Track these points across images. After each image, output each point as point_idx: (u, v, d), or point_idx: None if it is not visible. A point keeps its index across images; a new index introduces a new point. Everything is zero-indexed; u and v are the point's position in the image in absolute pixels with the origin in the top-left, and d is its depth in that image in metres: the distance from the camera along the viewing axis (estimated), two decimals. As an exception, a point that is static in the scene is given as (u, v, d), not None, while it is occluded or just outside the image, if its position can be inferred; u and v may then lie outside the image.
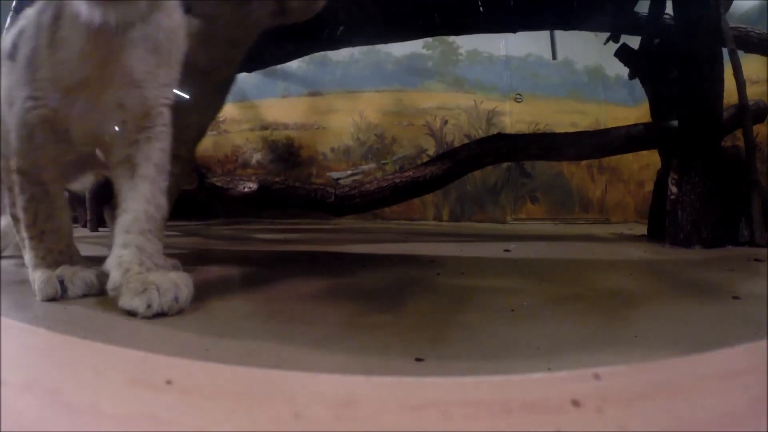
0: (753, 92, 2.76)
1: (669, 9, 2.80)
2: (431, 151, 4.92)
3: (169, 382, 0.37)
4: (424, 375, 0.65)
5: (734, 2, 3.06)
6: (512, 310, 1.06)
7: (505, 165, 4.80)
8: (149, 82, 1.06)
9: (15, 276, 1.39)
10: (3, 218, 1.64)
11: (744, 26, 3.07)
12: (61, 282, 1.08)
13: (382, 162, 5.02)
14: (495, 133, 3.63)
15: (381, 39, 3.77)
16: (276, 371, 0.40)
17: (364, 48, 4.76)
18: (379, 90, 5.10)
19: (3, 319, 0.45)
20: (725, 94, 2.35)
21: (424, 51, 5.21)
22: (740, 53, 2.69)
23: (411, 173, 2.96)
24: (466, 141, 4.30)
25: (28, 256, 1.17)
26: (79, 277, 1.11)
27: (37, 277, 1.10)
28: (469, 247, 2.51)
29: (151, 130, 1.10)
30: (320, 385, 0.38)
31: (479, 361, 0.72)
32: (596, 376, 0.36)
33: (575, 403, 0.34)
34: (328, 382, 0.38)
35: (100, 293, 1.09)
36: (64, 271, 1.11)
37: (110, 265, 1.02)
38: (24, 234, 1.16)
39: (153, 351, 0.74)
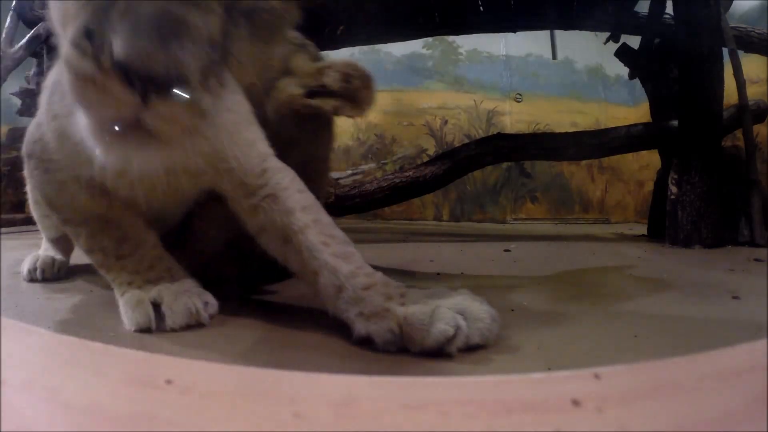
0: (753, 92, 2.76)
1: (669, 9, 2.80)
2: (431, 151, 4.93)
3: (169, 382, 0.37)
4: (424, 375, 0.65)
5: (734, 2, 3.07)
6: (512, 310, 1.06)
7: (505, 165, 4.81)
8: (224, 161, 0.88)
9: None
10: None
11: (744, 26, 3.07)
12: (157, 307, 0.87)
13: (382, 162, 5.02)
14: (495, 133, 3.63)
15: (381, 39, 3.76)
16: (276, 371, 0.40)
17: (364, 48, 4.75)
18: (379, 90, 5.09)
19: (3, 319, 0.45)
20: (725, 94, 2.35)
21: (424, 51, 5.21)
22: (740, 53, 2.69)
23: (411, 173, 2.96)
24: (466, 141, 4.30)
25: (110, 280, 0.98)
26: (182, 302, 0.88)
27: (125, 300, 0.90)
28: (469, 247, 2.50)
29: (266, 189, 0.91)
30: (320, 385, 0.38)
31: (479, 361, 0.72)
32: (596, 376, 0.36)
33: (575, 403, 0.34)
34: (328, 382, 0.38)
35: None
36: (163, 292, 0.89)
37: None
38: (101, 269, 0.98)
39: (153, 351, 0.74)
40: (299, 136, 1.27)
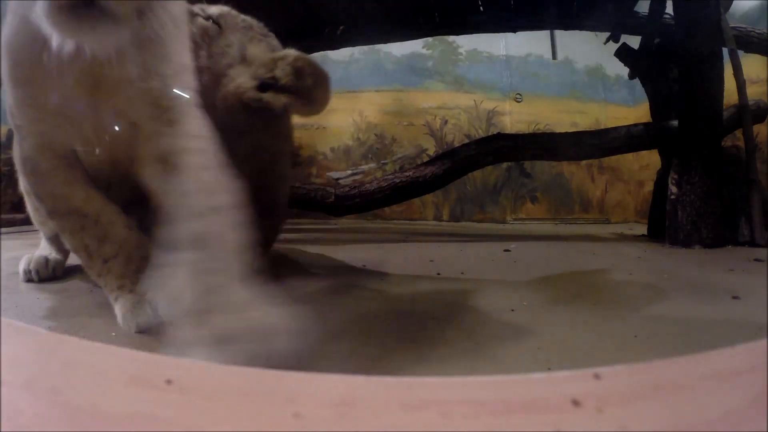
0: (753, 92, 2.76)
1: (669, 9, 2.80)
2: (431, 151, 4.92)
3: (169, 382, 0.37)
4: (424, 375, 0.65)
5: (734, 2, 3.07)
6: (512, 310, 1.06)
7: (505, 165, 4.80)
8: (151, 78, 0.87)
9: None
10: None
11: (744, 26, 3.07)
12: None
13: (382, 162, 5.01)
14: (495, 133, 3.63)
15: (381, 39, 3.77)
16: (276, 371, 0.40)
17: (364, 48, 4.75)
18: (379, 90, 5.10)
19: (3, 319, 0.45)
20: (725, 94, 2.35)
21: (424, 51, 5.21)
22: (740, 53, 2.69)
23: (411, 173, 2.96)
24: (466, 141, 4.30)
25: (102, 286, 0.99)
26: None
27: (120, 305, 0.91)
28: (469, 247, 2.50)
29: (172, 113, 0.89)
30: (320, 385, 0.38)
31: (479, 361, 0.72)
32: (596, 376, 0.36)
33: (575, 403, 0.34)
34: (328, 382, 0.38)
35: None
36: None
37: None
38: (89, 272, 1.00)
39: (153, 351, 0.74)
40: (250, 127, 1.21)
